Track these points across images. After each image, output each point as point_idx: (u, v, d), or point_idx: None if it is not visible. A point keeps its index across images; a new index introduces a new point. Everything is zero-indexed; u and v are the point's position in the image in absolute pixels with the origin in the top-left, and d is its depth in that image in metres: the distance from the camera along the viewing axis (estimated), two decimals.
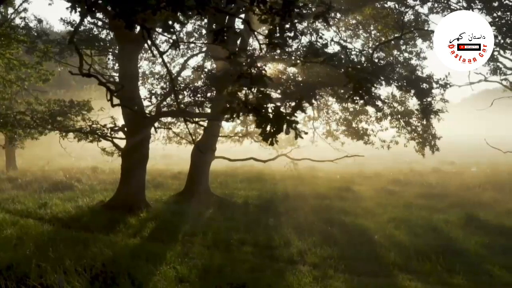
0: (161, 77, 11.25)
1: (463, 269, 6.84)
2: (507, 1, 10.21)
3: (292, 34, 3.59)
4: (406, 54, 15.31)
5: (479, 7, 10.09)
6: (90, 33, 12.06)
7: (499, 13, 10.04)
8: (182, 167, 18.91)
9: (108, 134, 11.46)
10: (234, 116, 3.48)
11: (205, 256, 7.29)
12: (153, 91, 10.77)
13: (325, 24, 16.54)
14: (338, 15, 16.04)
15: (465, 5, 10.56)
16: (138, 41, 10.05)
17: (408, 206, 12.29)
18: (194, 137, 16.79)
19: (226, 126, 18.95)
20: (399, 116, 13.57)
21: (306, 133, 3.97)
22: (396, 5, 12.41)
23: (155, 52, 10.43)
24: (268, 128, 3.39)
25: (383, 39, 15.71)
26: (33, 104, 13.59)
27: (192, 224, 9.83)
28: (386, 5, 12.44)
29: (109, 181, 16.40)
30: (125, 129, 11.33)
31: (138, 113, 9.04)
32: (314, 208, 11.93)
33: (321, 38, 3.97)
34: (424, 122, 13.43)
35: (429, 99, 10.29)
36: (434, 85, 10.45)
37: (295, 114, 3.58)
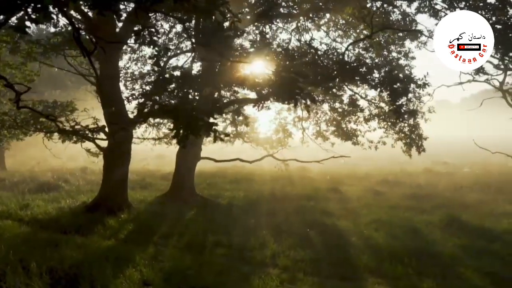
0: (141, 77, 11.18)
1: (435, 272, 6.75)
2: (490, 0, 10.09)
3: (232, 33, 3.52)
4: (394, 54, 15.26)
5: (461, 6, 9.98)
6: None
7: (483, 13, 9.92)
8: (173, 168, 18.88)
9: (90, 135, 11.38)
10: (148, 118, 3.40)
11: (175, 258, 7.21)
12: (133, 92, 10.70)
13: (314, 24, 16.61)
14: (328, 15, 16.03)
15: (448, 3, 10.45)
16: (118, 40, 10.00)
17: (393, 207, 12.18)
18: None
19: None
20: (385, 116, 13.47)
21: (227, 135, 3.87)
22: (379, 5, 12.30)
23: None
24: (182, 131, 3.31)
25: (375, 38, 15.71)
26: None
27: (171, 225, 9.77)
28: (368, 5, 12.30)
29: (97, 181, 16.34)
30: (106, 129, 11.24)
31: (111, 113, 8.96)
32: (297, 209, 11.84)
33: (265, 37, 3.91)
34: (411, 123, 13.37)
35: (404, 99, 10.15)
36: (413, 85, 10.32)
37: (215, 117, 3.49)
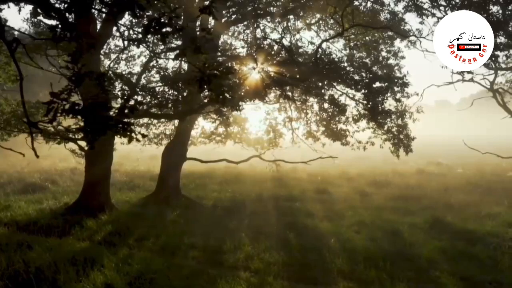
0: (121, 77, 11.02)
1: (409, 276, 6.59)
2: None
3: (169, 30, 3.38)
4: (384, 54, 15.09)
5: (444, 4, 9.82)
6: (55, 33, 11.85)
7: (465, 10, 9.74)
8: None
9: (71, 135, 11.27)
10: (56, 116, 3.27)
11: (146, 261, 7.06)
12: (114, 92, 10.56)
13: (305, 24, 16.45)
14: (318, 15, 15.88)
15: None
16: (97, 39, 9.89)
17: (379, 208, 12.01)
18: (171, 138, 16.62)
19: (208, 127, 18.76)
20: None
21: (144, 136, 3.74)
22: (369, 4, 12.15)
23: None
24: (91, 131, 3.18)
25: (366, 38, 15.56)
26: (2, 105, 13.43)
27: (150, 227, 9.63)
28: (356, 3, 12.15)
29: None
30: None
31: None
32: (282, 210, 11.71)
33: (209, 33, 3.74)
34: (400, 123, 13.21)
35: (380, 98, 9.96)
36: (393, 85, 10.14)
37: (128, 116, 3.36)
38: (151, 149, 19.00)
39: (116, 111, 3.56)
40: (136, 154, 25.82)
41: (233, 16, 13.42)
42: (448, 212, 11.00)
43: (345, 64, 11.13)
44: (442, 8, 9.96)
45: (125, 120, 3.25)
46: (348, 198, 13.76)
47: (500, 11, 9.62)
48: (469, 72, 12.25)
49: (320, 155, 16.25)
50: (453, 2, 10.02)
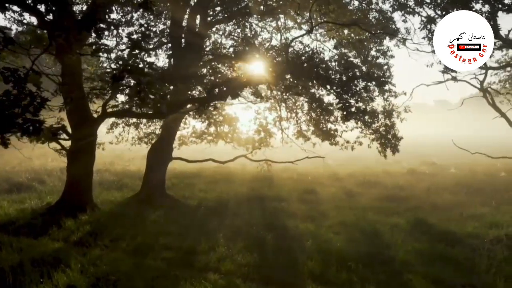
0: (101, 76, 10.93)
1: (380, 279, 6.45)
2: None
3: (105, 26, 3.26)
4: (373, 53, 14.92)
5: (428, 1, 9.66)
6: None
7: (448, 7, 9.59)
8: None
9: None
10: None
11: (116, 262, 6.97)
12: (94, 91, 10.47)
13: (296, 24, 16.32)
14: (307, 14, 15.74)
15: None
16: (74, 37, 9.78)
17: (365, 209, 11.86)
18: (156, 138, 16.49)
19: (198, 127, 18.63)
20: (360, 115, 13.11)
21: (56, 135, 3.64)
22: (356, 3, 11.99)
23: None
24: None
25: (356, 37, 15.43)
26: None
27: (128, 227, 9.53)
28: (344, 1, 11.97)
29: None
30: (69, 129, 11.03)
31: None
32: (266, 211, 11.58)
33: (148, 30, 3.68)
34: (389, 123, 13.08)
35: (355, 98, 9.81)
36: (378, 83, 9.98)
37: (40, 114, 3.24)
38: (145, 148, 18.90)
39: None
40: (130, 154, 25.72)
41: (220, 15, 13.30)
42: (433, 213, 10.86)
43: (333, 64, 10.97)
44: (426, 6, 9.80)
45: (35, 118, 3.13)
46: (335, 198, 13.62)
47: (483, 9, 9.46)
48: (453, 71, 12.08)
49: (308, 155, 16.12)
50: (438, 0, 9.87)
